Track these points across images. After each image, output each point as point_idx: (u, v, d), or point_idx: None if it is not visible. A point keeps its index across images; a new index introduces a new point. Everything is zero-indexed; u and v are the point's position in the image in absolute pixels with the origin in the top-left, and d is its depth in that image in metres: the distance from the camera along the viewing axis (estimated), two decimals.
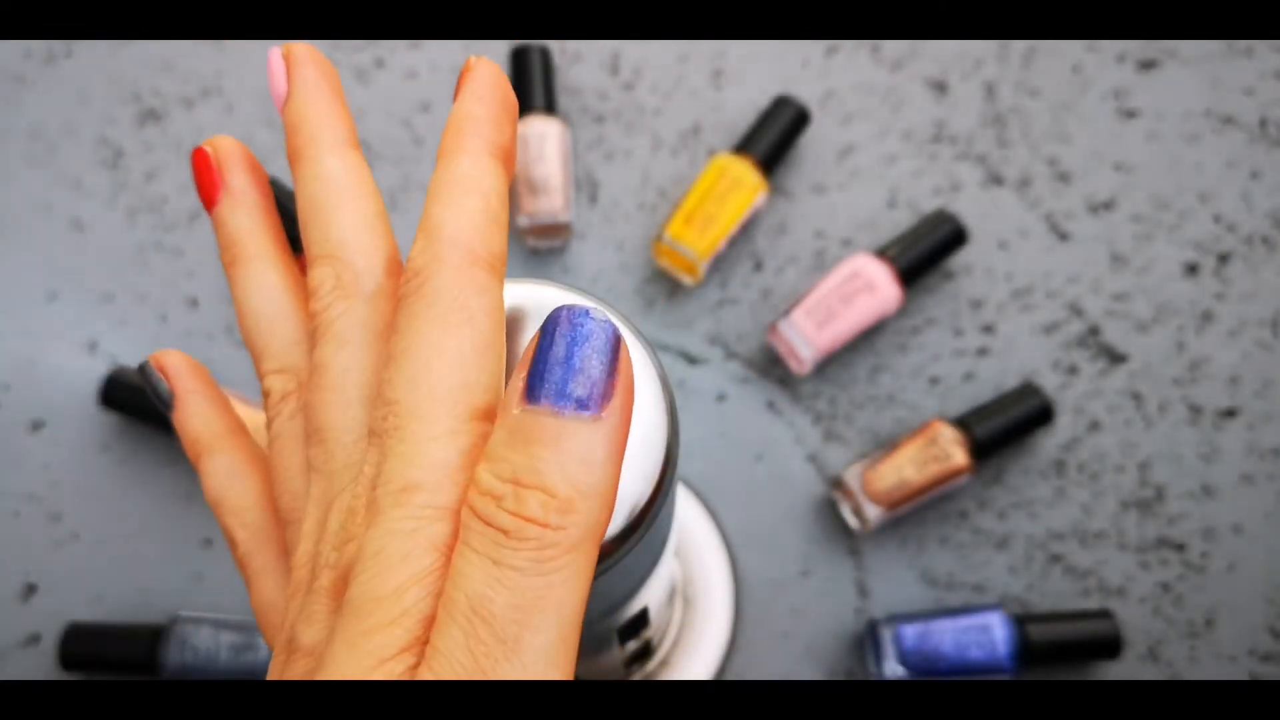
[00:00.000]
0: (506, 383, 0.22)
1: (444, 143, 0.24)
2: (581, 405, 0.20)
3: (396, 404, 0.21)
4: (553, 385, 0.20)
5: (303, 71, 0.26)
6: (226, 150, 0.27)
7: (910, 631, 0.47)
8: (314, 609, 0.21)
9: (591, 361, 0.20)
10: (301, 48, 0.26)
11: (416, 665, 0.19)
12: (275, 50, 0.26)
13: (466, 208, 0.23)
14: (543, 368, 0.20)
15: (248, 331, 0.26)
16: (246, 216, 0.27)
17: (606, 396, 0.20)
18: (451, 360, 0.21)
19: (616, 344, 0.20)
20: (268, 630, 0.25)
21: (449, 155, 0.24)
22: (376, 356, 0.23)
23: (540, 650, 0.19)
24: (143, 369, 0.28)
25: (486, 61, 0.25)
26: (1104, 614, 0.48)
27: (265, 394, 0.25)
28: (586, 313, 0.20)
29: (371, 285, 0.24)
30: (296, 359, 0.25)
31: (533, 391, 0.20)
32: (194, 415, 0.27)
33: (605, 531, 0.20)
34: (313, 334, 0.24)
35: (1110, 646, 0.47)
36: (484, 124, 0.24)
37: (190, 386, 0.28)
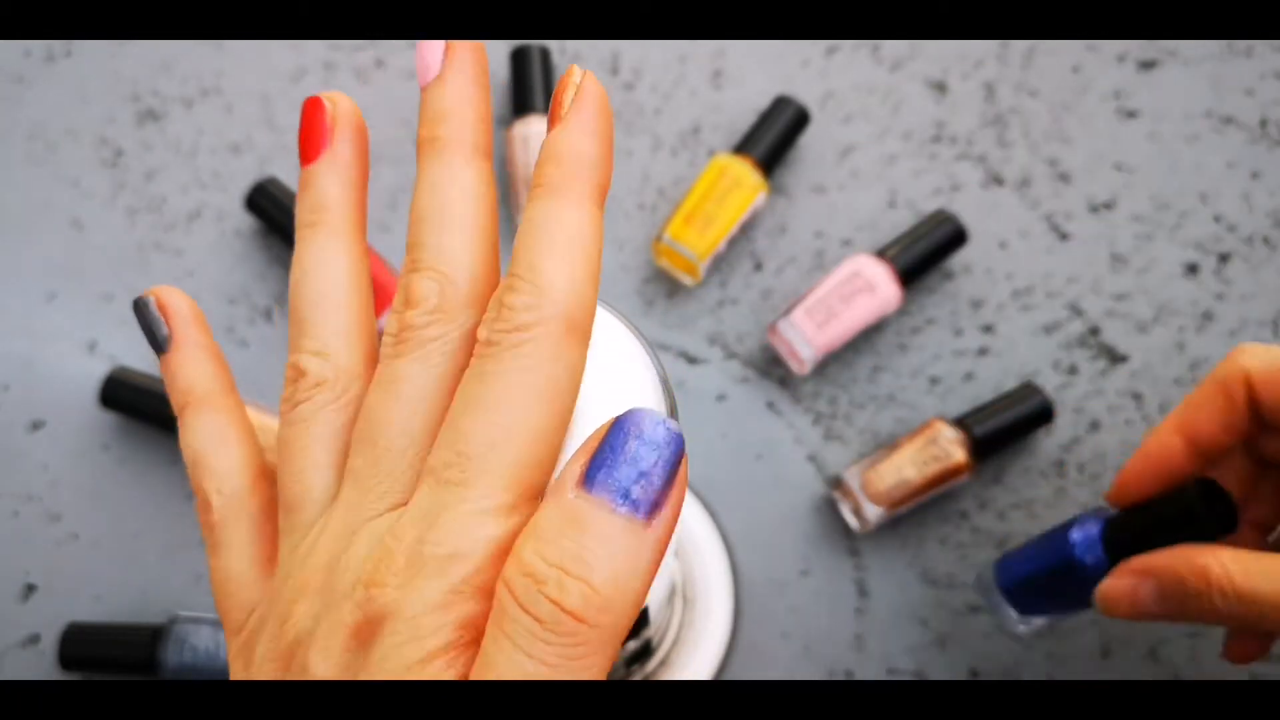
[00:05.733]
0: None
1: (546, 174, 0.23)
2: (636, 508, 0.20)
3: (468, 460, 0.21)
4: (616, 481, 0.20)
5: (463, 58, 0.25)
6: (345, 112, 0.26)
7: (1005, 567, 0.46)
8: (333, 644, 0.21)
9: (657, 469, 0.20)
10: (468, 42, 0.25)
11: None
12: (431, 42, 0.25)
13: (579, 271, 0.22)
14: (610, 461, 0.20)
15: (298, 305, 0.25)
16: (339, 185, 0.26)
17: (659, 506, 0.20)
18: (533, 436, 0.21)
19: (680, 457, 0.20)
20: (225, 601, 0.24)
21: (556, 194, 0.22)
22: (454, 390, 0.23)
23: None
24: (141, 305, 0.27)
25: (593, 80, 0.24)
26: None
27: (296, 370, 0.25)
28: (664, 422, 0.20)
29: (472, 317, 0.23)
30: (341, 351, 0.25)
31: (592, 480, 0.20)
32: (188, 364, 0.26)
33: (624, 637, 0.20)
34: (397, 336, 0.23)
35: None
36: (596, 167, 0.23)
37: (190, 335, 0.27)
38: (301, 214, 0.26)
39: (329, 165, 0.26)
